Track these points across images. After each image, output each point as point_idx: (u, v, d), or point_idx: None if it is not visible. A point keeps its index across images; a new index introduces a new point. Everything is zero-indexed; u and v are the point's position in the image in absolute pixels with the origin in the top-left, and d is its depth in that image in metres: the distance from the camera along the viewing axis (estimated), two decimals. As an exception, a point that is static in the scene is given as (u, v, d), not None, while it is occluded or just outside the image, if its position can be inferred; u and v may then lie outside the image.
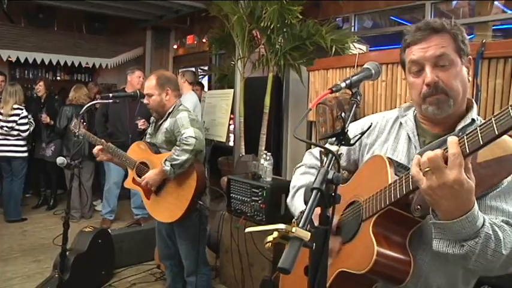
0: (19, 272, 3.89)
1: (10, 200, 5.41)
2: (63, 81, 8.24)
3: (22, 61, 6.83)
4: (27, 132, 5.31)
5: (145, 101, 2.84)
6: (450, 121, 1.22)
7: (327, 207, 0.93)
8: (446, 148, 0.93)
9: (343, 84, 1.14)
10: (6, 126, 5.13)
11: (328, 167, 0.95)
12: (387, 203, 1.10)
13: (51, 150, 5.71)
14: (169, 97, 2.81)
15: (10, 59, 6.87)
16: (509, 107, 0.83)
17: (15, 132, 5.20)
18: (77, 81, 7.98)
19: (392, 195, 1.09)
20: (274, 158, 3.48)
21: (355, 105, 1.15)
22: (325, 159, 0.99)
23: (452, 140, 0.92)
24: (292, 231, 0.81)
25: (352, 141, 1.06)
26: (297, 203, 1.50)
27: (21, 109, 5.23)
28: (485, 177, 0.99)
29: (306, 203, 0.91)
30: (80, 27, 8.33)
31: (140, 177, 2.77)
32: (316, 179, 0.93)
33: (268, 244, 0.85)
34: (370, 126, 1.31)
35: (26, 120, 5.28)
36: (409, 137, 1.29)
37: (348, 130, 1.07)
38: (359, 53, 3.68)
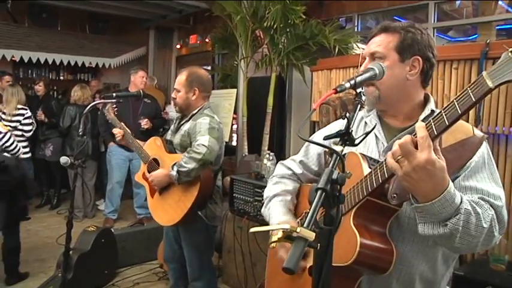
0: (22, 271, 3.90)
1: None
2: (67, 81, 8.26)
3: (26, 61, 6.84)
4: (30, 133, 5.30)
5: (172, 95, 2.77)
6: (407, 114, 1.32)
7: (332, 207, 0.93)
8: (415, 134, 1.00)
9: (347, 85, 1.13)
10: (10, 126, 5.12)
11: (332, 167, 0.95)
12: (365, 193, 1.16)
13: (50, 150, 5.72)
14: (196, 97, 2.70)
15: (14, 59, 6.89)
16: (468, 89, 0.93)
17: (18, 133, 5.17)
18: (80, 80, 7.99)
19: (369, 186, 1.15)
20: (277, 158, 3.48)
21: (359, 106, 1.15)
22: (329, 159, 0.99)
23: (419, 124, 1.00)
24: (297, 232, 0.81)
25: (356, 142, 1.06)
26: (272, 212, 1.53)
27: (26, 109, 5.22)
28: (452, 161, 1.06)
29: (310, 203, 0.91)
30: (83, 27, 8.34)
31: (150, 173, 2.74)
32: (321, 178, 0.93)
33: (273, 244, 0.85)
34: (375, 127, 1.32)
35: (30, 121, 5.27)
36: (375, 135, 1.36)
37: (352, 130, 1.06)
38: (362, 53, 3.67)
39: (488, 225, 1.08)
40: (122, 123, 2.93)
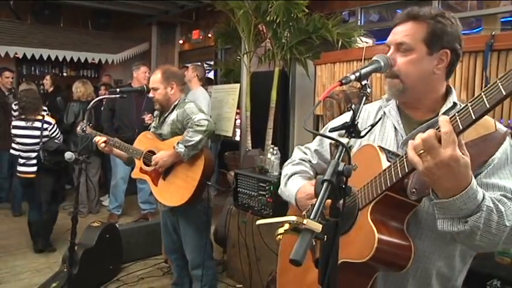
0: (28, 267, 3.93)
1: (16, 196, 5.43)
2: (70, 77, 8.28)
3: (29, 57, 6.85)
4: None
5: (150, 94, 2.87)
6: (428, 105, 1.27)
7: (338, 199, 0.93)
8: (439, 128, 0.95)
9: (352, 77, 1.12)
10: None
11: (338, 159, 0.94)
12: (383, 188, 1.11)
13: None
14: (174, 91, 2.84)
15: (17, 56, 6.90)
16: (498, 81, 0.87)
17: None
18: (83, 76, 8.01)
19: (388, 180, 1.10)
20: (280, 152, 3.48)
21: (364, 98, 1.15)
22: (335, 151, 0.98)
23: (443, 119, 0.95)
24: (304, 223, 0.81)
25: (362, 133, 1.05)
26: (290, 187, 1.50)
27: None
28: (473, 156, 1.01)
29: (316, 195, 0.90)
30: (85, 23, 8.35)
31: (148, 166, 2.80)
32: (327, 171, 0.92)
33: (279, 236, 0.85)
34: (380, 119, 1.32)
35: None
36: (394, 126, 1.32)
37: (357, 122, 1.06)
38: (366, 46, 3.66)
39: (511, 223, 1.03)
40: (103, 134, 2.96)
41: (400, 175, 1.08)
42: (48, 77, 6.09)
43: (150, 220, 4.91)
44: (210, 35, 6.94)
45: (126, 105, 4.85)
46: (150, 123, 4.85)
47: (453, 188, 0.98)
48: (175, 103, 2.85)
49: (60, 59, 7.16)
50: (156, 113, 3.04)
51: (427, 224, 1.18)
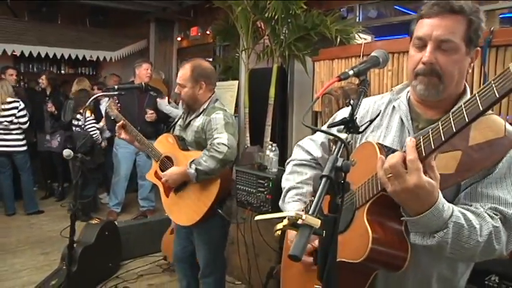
0: (27, 264, 3.93)
1: (25, 194, 5.47)
2: (67, 74, 8.25)
3: (26, 55, 6.83)
4: (27, 124, 5.31)
5: (176, 90, 2.65)
6: (444, 105, 1.21)
7: (337, 194, 0.93)
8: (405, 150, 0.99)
9: (351, 72, 1.12)
10: (6, 121, 5.12)
11: (337, 154, 0.94)
12: (379, 188, 1.10)
13: (57, 141, 5.74)
14: (203, 91, 2.58)
15: (14, 54, 6.88)
16: (477, 95, 0.87)
17: (15, 126, 5.20)
18: (81, 74, 7.99)
19: None
20: (279, 149, 3.47)
21: (363, 94, 1.14)
22: (334, 147, 0.98)
23: (409, 144, 0.99)
24: (302, 219, 0.81)
25: (361, 129, 1.05)
26: (288, 208, 1.49)
27: (18, 101, 5.21)
28: (477, 161, 1.02)
29: (315, 190, 0.90)
30: (83, 21, 8.31)
31: (163, 171, 2.60)
32: (325, 166, 0.92)
33: (278, 232, 0.85)
34: (379, 114, 1.30)
35: (24, 112, 5.26)
36: (402, 121, 1.28)
37: (356, 118, 1.06)
38: (364, 43, 3.66)
39: (484, 239, 1.05)
40: (126, 121, 2.75)
41: None
42: (43, 77, 6.06)
43: (149, 217, 4.92)
44: (208, 32, 6.92)
45: (128, 102, 4.82)
46: (151, 121, 4.88)
47: (418, 208, 1.03)
48: (205, 106, 2.58)
49: (58, 57, 7.12)
50: (180, 111, 2.81)
51: None
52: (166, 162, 2.63)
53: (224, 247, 2.85)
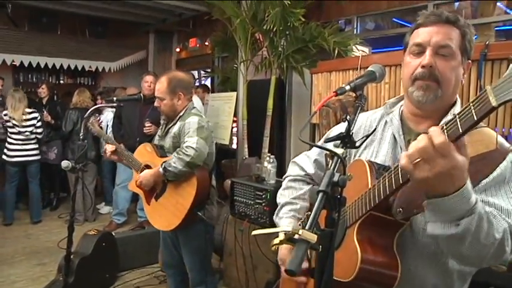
0: (24, 276, 3.91)
1: (33, 203, 5.51)
2: (67, 84, 8.28)
3: (26, 65, 6.86)
4: (42, 135, 5.45)
5: (156, 103, 2.72)
6: (436, 116, 1.19)
7: (333, 209, 0.93)
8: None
9: (347, 87, 1.14)
10: (27, 131, 5.20)
11: (333, 169, 0.95)
12: (367, 208, 1.09)
13: (54, 153, 5.76)
14: (181, 101, 2.68)
15: (14, 63, 6.91)
16: (471, 105, 0.83)
17: (32, 136, 5.31)
18: (80, 84, 8.00)
19: (372, 200, 1.08)
20: (277, 161, 3.48)
21: (360, 108, 1.15)
22: (330, 161, 0.99)
23: (434, 129, 0.89)
24: (299, 234, 0.81)
25: (357, 144, 1.06)
26: (282, 223, 1.49)
27: (36, 112, 5.33)
28: (470, 175, 0.94)
29: (312, 205, 0.91)
30: (83, 31, 8.36)
31: None
32: (322, 181, 0.93)
33: (274, 247, 0.86)
34: (375, 130, 1.29)
35: (41, 123, 5.40)
36: (394, 137, 1.26)
37: (352, 133, 1.07)
38: (362, 55, 3.69)
39: (500, 236, 0.98)
40: (109, 136, 2.88)
41: (382, 196, 1.04)
42: (44, 86, 6.09)
43: (146, 228, 4.89)
44: (207, 43, 6.97)
45: (130, 113, 4.81)
46: (150, 133, 4.88)
47: (447, 190, 0.91)
48: (181, 114, 2.69)
49: (57, 67, 7.16)
50: (162, 121, 2.90)
51: (423, 241, 1.14)
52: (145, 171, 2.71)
53: (211, 254, 2.91)
